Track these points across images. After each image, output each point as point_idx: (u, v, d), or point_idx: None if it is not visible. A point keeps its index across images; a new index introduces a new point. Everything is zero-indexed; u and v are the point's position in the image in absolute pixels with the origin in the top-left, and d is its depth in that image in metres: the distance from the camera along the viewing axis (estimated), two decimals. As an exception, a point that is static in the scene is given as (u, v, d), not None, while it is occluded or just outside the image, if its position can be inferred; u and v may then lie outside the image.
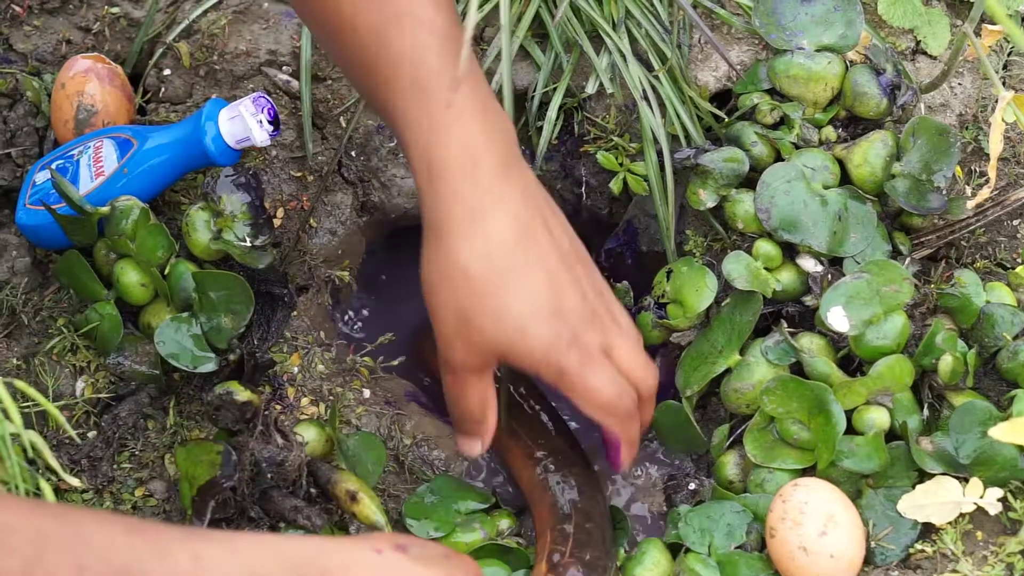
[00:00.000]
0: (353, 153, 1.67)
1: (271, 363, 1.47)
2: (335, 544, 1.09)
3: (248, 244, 1.47)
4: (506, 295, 1.24)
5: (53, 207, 1.47)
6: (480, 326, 1.24)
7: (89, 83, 1.59)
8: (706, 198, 1.54)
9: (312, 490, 1.41)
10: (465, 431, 1.35)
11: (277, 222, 1.60)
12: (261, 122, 1.46)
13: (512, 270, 1.24)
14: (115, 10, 1.72)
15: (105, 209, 1.47)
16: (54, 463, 1.19)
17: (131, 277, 1.47)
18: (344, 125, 1.66)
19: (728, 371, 1.50)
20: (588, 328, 1.28)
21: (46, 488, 1.18)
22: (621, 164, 1.62)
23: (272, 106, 1.47)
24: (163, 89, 1.69)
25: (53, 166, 1.54)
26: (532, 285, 1.25)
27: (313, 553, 1.05)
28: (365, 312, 1.81)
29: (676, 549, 1.45)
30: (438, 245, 1.24)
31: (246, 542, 1.02)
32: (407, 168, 1.67)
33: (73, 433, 1.24)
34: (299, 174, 1.65)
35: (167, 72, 1.70)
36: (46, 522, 0.93)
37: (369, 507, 1.38)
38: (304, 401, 1.52)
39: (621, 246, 1.71)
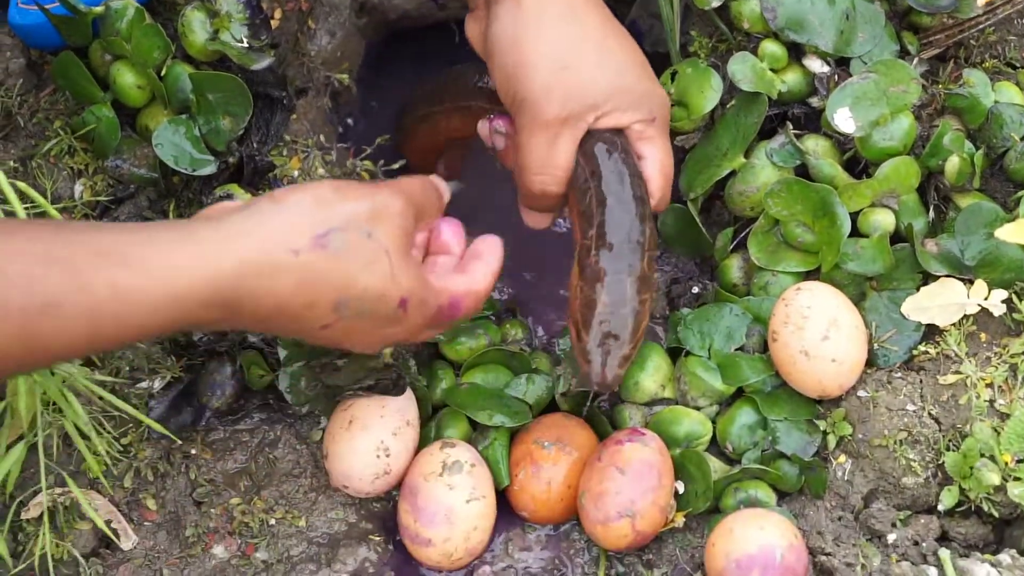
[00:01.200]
0: (350, -49, 1.64)
1: (271, 166, 1.46)
2: (256, 246, 0.97)
3: (245, 45, 1.45)
4: (604, 43, 1.28)
5: (46, 7, 1.44)
6: (581, 71, 1.25)
7: None
8: (711, -3, 1.52)
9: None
10: (542, 203, 1.32)
11: (274, 23, 1.58)
12: (256, -79, 1.43)
13: (602, 23, 1.29)
14: None
15: (99, 9, 1.44)
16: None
17: (127, 79, 1.45)
18: (343, -78, 1.63)
19: (733, 174, 1.48)
20: (660, 87, 1.33)
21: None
22: (623, -38, 1.59)
23: (269, -95, 1.44)
24: None
25: (45, -35, 1.51)
26: (621, 38, 1.31)
27: (233, 268, 0.96)
28: (365, 115, 1.79)
29: (677, 353, 1.46)
30: (518, 5, 1.26)
31: (167, 266, 0.94)
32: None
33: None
34: (296, -26, 1.62)
35: None
36: None
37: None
38: (305, 203, 1.51)
39: (624, 48, 1.68)
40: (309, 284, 0.99)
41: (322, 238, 0.99)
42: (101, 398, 1.32)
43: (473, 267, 1.15)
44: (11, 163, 1.46)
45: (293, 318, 1.00)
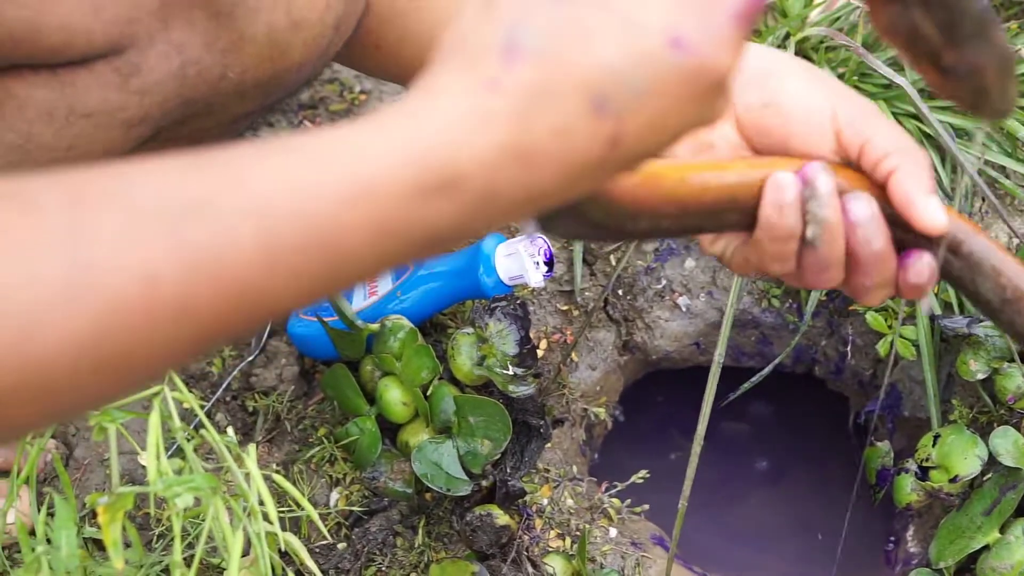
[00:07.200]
0: (620, 292, 1.68)
1: (522, 492, 1.48)
2: (448, 104, 0.66)
3: (511, 373, 1.48)
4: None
5: (325, 320, 1.50)
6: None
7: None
8: (976, 369, 1.51)
9: (561, 622, 1.41)
10: None
11: (540, 353, 1.61)
12: (537, 263, 1.47)
13: None
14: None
15: (375, 326, 1.50)
16: (311, 564, 1.20)
17: (394, 395, 1.49)
18: (613, 264, 1.67)
19: (986, 548, 1.45)
20: None
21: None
22: (890, 327, 1.59)
23: (549, 248, 1.48)
24: (439, 214, 1.72)
25: (328, 280, 1.57)
26: None
27: (432, 133, 0.65)
28: (618, 450, 1.80)
29: None
30: None
31: (349, 149, 0.66)
32: (672, 311, 1.68)
33: (327, 535, 1.26)
34: (565, 308, 1.67)
35: (445, 198, 1.72)
36: (84, 175, 0.62)
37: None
38: (551, 534, 1.51)
39: (882, 409, 1.68)
40: (533, 110, 0.66)
41: (511, 47, 0.67)
42: None
43: None
44: (274, 466, 1.50)
45: (552, 163, 0.67)
